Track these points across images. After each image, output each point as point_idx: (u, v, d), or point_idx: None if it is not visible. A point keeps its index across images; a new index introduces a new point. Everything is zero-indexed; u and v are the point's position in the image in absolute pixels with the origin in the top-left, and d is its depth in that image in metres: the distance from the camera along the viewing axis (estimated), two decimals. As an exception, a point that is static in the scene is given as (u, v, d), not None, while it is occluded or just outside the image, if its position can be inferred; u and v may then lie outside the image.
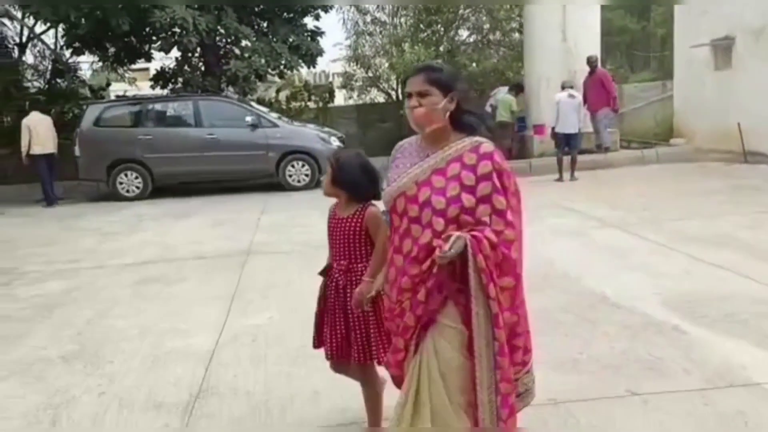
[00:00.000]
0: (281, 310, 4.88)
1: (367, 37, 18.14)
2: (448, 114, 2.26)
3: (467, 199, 2.17)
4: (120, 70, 15.90)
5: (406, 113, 2.30)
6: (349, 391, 3.08)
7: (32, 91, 15.09)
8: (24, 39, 15.61)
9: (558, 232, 6.80)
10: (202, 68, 14.77)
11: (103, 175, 11.75)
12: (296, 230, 7.85)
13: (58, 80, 15.16)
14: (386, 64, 16.86)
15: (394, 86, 17.72)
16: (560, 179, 10.47)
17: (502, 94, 12.97)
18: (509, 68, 16.14)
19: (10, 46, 15.56)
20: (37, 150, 11.56)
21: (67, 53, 14.96)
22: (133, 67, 16.00)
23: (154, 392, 3.59)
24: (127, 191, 11.79)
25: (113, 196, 11.70)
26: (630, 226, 6.82)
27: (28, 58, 15.88)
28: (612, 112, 11.87)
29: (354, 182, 2.73)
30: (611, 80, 11.91)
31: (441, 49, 16.57)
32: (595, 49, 12.16)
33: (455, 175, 2.20)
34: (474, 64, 16.69)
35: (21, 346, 4.51)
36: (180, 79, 14.49)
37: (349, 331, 2.75)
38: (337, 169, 2.74)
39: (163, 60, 15.07)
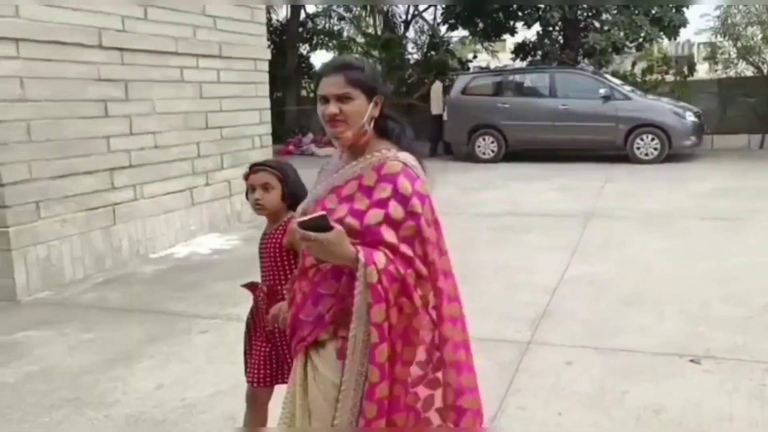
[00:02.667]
0: (618, 263, 5.46)
1: (741, 6, 16.70)
2: (372, 122, 1.85)
3: (351, 225, 1.74)
4: (485, 44, 17.43)
5: (322, 121, 1.85)
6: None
7: (411, 62, 17.44)
8: (409, 17, 18.13)
9: None
10: (561, 41, 15.44)
11: (465, 138, 13.28)
12: (638, 199, 8.19)
13: (432, 53, 17.25)
14: (759, 35, 15.41)
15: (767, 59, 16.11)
16: None
17: None
18: None
19: (397, 23, 18.19)
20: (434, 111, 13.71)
21: (443, 29, 16.98)
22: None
23: (508, 309, 4.52)
24: (483, 154, 13.14)
25: (471, 157, 13.17)
26: None
27: (410, 33, 18.32)
28: None
29: (301, 192, 2.31)
30: None
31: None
32: None
33: (349, 195, 1.81)
34: None
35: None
36: (539, 52, 15.39)
37: (271, 356, 2.43)
38: (288, 182, 2.36)
39: (524, 34, 16.14)
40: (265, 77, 8.42)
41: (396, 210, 1.74)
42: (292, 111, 17.41)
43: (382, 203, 1.75)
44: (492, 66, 16.39)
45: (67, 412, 3.23)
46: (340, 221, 1.74)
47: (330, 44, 18.53)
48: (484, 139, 13.14)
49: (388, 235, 1.74)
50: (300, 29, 18.42)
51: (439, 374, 1.84)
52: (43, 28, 5.26)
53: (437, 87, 14.48)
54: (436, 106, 14.14)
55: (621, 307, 4.41)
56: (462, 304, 1.91)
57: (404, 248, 1.74)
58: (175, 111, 6.76)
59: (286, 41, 17.86)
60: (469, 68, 16.68)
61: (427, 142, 13.94)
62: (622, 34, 13.91)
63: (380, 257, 1.71)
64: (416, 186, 1.78)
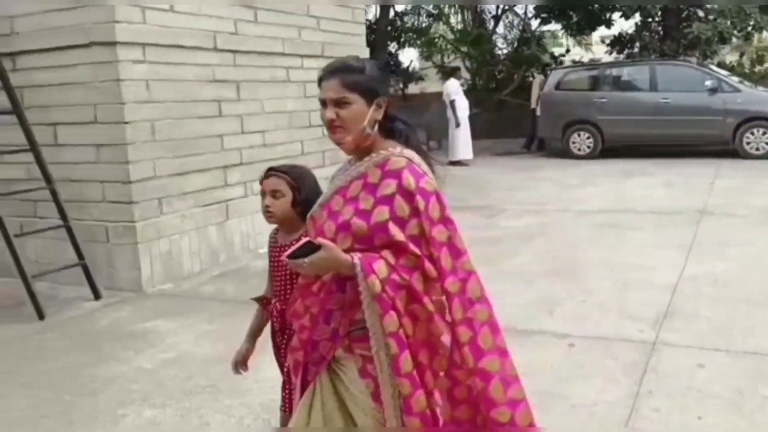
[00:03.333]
0: (740, 262, 5.23)
1: None
2: (376, 125, 1.79)
3: (358, 227, 1.71)
4: (578, 37, 17.02)
5: (324, 123, 1.81)
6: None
7: (502, 57, 17.25)
8: (499, 11, 17.92)
9: None
10: (661, 32, 14.87)
11: (559, 133, 13.00)
12: (754, 196, 7.78)
13: (523, 48, 16.99)
14: None
15: None
16: None
17: None
18: None
19: (487, 18, 18.02)
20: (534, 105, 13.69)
21: (534, 23, 16.72)
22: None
23: (625, 307, 4.41)
24: (579, 150, 12.80)
25: (565, 153, 12.87)
26: None
27: (499, 28, 18.12)
28: None
29: (311, 201, 2.15)
30: None
31: None
32: None
33: (354, 196, 1.77)
34: None
35: (511, 261, 5.79)
36: (636, 44, 14.88)
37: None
38: (299, 189, 2.24)
39: (620, 25, 15.66)
40: (365, 76, 8.52)
41: (401, 206, 1.69)
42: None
43: (387, 200, 1.70)
44: (585, 60, 15.99)
45: (204, 398, 3.39)
46: (347, 224, 1.72)
47: (418, 42, 18.56)
48: (579, 135, 12.80)
49: (396, 232, 1.68)
50: (388, 27, 18.55)
51: (470, 382, 1.74)
52: (166, 33, 5.54)
53: (538, 81, 14.25)
54: (535, 101, 13.93)
55: (750, 308, 4.22)
56: (491, 307, 1.77)
57: (412, 246, 1.68)
58: (281, 110, 6.95)
59: (376, 40, 17.99)
60: (561, 63, 16.33)
61: (523, 138, 13.77)
62: (728, 23, 13.24)
63: (380, 266, 1.66)
64: (421, 182, 1.71)
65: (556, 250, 6.01)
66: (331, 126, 1.76)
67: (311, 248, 1.66)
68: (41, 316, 4.81)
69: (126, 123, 5.25)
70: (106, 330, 4.56)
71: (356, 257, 1.66)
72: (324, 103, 1.76)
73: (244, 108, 6.45)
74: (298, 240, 2.18)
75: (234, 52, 6.28)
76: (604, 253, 5.78)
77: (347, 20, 8.04)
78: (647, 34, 14.82)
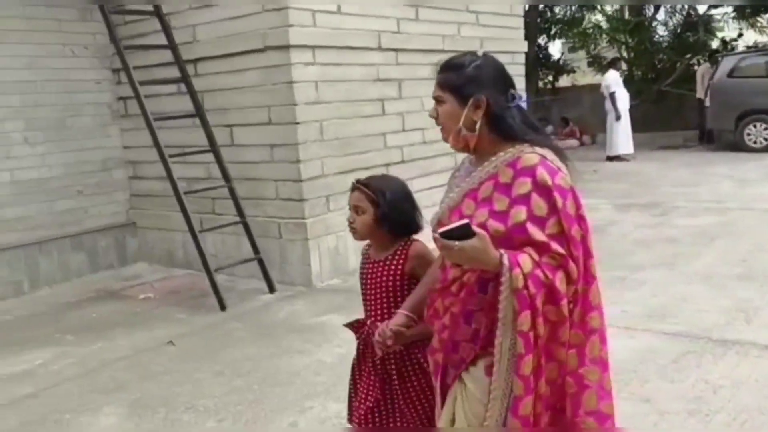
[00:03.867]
0: None
1: None
2: (477, 126, 1.72)
3: (495, 229, 1.64)
4: (750, 20, 15.59)
5: None
6: None
7: (663, 45, 16.17)
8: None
9: None
10: None
11: (731, 125, 11.97)
12: None
13: (688, 33, 15.83)
14: None
15: None
16: None
17: None
18: None
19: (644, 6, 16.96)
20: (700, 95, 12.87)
21: (701, 8, 15.52)
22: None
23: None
24: (754, 142, 11.74)
25: (738, 146, 11.84)
26: None
27: (659, 14, 16.97)
28: None
29: (402, 217, 2.14)
30: None
31: None
32: None
33: (486, 197, 1.70)
34: None
35: (694, 263, 5.35)
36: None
37: (384, 402, 2.18)
38: (384, 204, 2.12)
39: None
40: (522, 70, 8.32)
41: (538, 205, 1.62)
42: (531, 103, 17.09)
43: (523, 199, 1.63)
44: (760, 45, 14.62)
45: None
46: (482, 226, 1.63)
47: (569, 33, 17.86)
48: (755, 126, 11.73)
49: (535, 231, 1.61)
50: (537, 20, 18.01)
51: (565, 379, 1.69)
52: (335, 35, 5.67)
53: (704, 70, 13.25)
54: (701, 91, 12.96)
55: None
56: (603, 316, 1.71)
57: (555, 245, 1.61)
58: (441, 107, 6.91)
59: (527, 32, 17.54)
60: (733, 48, 15.03)
61: (691, 130, 12.85)
62: None
63: (525, 260, 1.59)
64: (556, 179, 1.64)
65: (745, 252, 5.49)
66: (437, 124, 1.78)
67: (464, 232, 1.58)
68: (223, 307, 5.09)
69: (297, 123, 5.43)
70: (283, 322, 4.74)
71: (505, 256, 1.60)
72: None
73: (405, 106, 6.48)
74: (391, 256, 2.15)
75: (397, 50, 6.32)
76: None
77: (506, 14, 7.86)
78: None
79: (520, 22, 8.22)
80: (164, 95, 6.02)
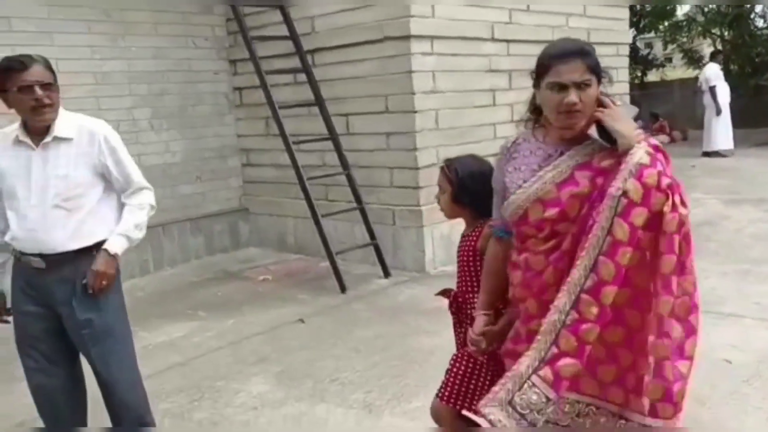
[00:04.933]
0: None
1: None
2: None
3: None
4: None
5: (549, 108, 1.82)
6: None
7: (762, 38, 15.56)
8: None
9: None
10: None
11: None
12: None
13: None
14: None
15: None
16: None
17: None
18: None
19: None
20: None
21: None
22: None
23: None
24: None
25: None
26: None
27: (757, 7, 16.34)
28: None
29: (479, 196, 2.17)
30: None
31: None
32: None
33: (609, 165, 1.76)
34: None
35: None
36: None
37: (466, 377, 2.28)
38: (459, 184, 2.22)
39: None
40: (626, 62, 8.18)
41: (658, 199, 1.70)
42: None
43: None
44: None
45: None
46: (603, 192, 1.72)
47: (660, 25, 17.39)
48: None
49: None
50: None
51: None
52: (452, 25, 5.75)
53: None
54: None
55: None
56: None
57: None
58: (548, 98, 6.90)
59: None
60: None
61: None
62: None
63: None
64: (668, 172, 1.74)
65: None
66: (572, 110, 1.75)
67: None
68: (343, 289, 5.26)
69: (415, 112, 5.55)
70: (405, 305, 4.87)
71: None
72: (562, 86, 1.75)
73: (515, 96, 6.50)
74: (470, 233, 2.25)
75: (508, 41, 6.35)
76: None
77: (611, 5, 7.75)
78: None
79: (625, 13, 8.09)
80: (281, 85, 6.23)
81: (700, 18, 16.18)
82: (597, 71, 1.79)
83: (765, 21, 15.97)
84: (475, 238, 2.22)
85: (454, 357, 2.33)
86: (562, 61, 1.77)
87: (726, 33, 15.31)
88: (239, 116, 7.06)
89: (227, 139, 7.07)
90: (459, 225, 2.38)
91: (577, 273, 1.72)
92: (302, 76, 6.01)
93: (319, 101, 5.82)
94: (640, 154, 1.72)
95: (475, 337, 2.06)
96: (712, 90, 11.38)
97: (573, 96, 1.75)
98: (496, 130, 6.32)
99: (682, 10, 17.08)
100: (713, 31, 15.44)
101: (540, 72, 1.84)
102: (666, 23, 16.79)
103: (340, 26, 5.92)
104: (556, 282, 1.79)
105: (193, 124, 6.73)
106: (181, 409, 3.44)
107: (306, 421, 3.19)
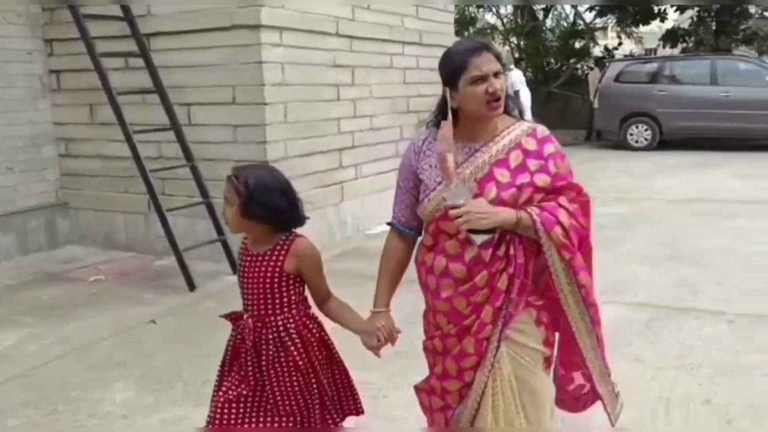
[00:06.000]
0: None
1: None
2: None
3: (542, 179, 1.93)
4: (628, 30, 17.09)
5: (476, 101, 1.86)
6: None
7: (552, 50, 17.35)
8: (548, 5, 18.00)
9: None
10: (714, 28, 14.94)
11: (616, 126, 13.10)
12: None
13: (572, 41, 17.07)
14: None
15: None
16: None
17: None
18: None
19: (536, 9, 18.07)
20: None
21: (587, 15, 16.82)
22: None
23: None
24: (636, 142, 12.92)
25: (622, 145, 12.97)
26: None
27: (547, 21, 18.18)
28: None
29: (274, 209, 1.98)
30: None
31: None
32: None
33: (520, 164, 1.93)
34: None
35: (625, 246, 5.92)
36: (691, 39, 14.96)
37: (253, 397, 2.10)
38: (248, 197, 1.97)
39: (675, 21, 15.72)
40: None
41: (566, 163, 2.00)
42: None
43: (552, 157, 1.95)
44: (637, 53, 16.07)
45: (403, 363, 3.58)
46: (531, 185, 1.91)
47: (465, 32, 18.61)
48: (637, 127, 12.93)
49: (572, 178, 1.99)
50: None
51: None
52: (301, 18, 5.71)
53: (595, 74, 14.37)
54: (593, 94, 14.07)
55: None
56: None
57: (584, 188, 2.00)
58: (386, 96, 7.12)
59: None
60: (613, 56, 16.41)
61: (575, 129, 13.87)
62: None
63: (562, 214, 1.90)
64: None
65: (668, 236, 6.18)
66: (496, 98, 1.86)
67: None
68: (192, 287, 5.01)
69: (265, 104, 5.43)
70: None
71: (537, 216, 1.88)
72: (483, 77, 1.84)
73: (356, 92, 6.63)
74: (270, 251, 2.03)
75: (351, 37, 6.44)
76: (718, 239, 5.96)
77: (440, 9, 8.18)
78: (703, 29, 14.89)
79: (451, 18, 8.58)
80: (111, 70, 5.75)
81: (500, 27, 17.62)
82: (500, 60, 1.92)
83: (553, 35, 17.80)
84: (281, 258, 2.02)
85: (226, 382, 2.15)
86: (477, 55, 1.85)
87: (523, 43, 16.80)
88: (56, 102, 6.40)
89: (42, 127, 6.37)
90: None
91: None
92: (136, 62, 5.61)
93: (159, 89, 5.47)
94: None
95: (394, 333, 2.09)
96: (516, 94, 12.45)
97: (497, 83, 1.85)
98: (340, 125, 6.39)
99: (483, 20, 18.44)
100: (511, 39, 16.88)
101: (456, 72, 1.87)
102: (471, 30, 18.02)
103: (182, 11, 5.60)
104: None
105: (4, 108, 5.98)
106: (34, 424, 3.08)
107: (187, 426, 3.01)
